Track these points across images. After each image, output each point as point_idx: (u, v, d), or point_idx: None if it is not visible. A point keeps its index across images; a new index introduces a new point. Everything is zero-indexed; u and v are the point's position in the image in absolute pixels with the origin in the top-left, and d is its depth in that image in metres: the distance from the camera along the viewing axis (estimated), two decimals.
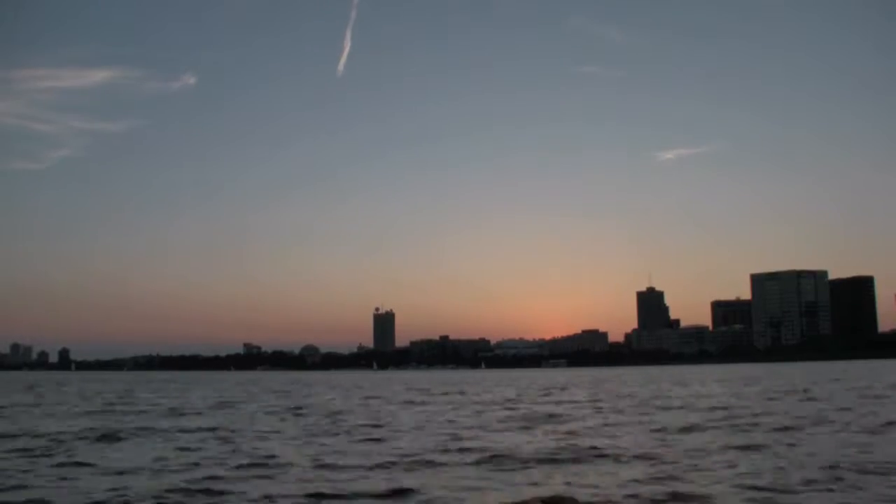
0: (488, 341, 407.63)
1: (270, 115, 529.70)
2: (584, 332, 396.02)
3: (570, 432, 23.67)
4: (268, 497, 13.24)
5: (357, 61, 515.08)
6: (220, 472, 16.08)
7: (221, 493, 13.69)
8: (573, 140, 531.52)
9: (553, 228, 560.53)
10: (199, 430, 25.73)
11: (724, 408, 33.99)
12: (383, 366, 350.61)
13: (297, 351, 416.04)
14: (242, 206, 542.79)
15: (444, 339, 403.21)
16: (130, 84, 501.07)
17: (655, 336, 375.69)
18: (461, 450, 19.39)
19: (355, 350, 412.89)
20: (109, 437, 23.21)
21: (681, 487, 13.61)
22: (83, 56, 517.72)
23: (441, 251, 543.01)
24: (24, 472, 16.40)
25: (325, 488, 13.94)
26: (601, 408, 36.08)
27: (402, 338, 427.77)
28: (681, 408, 35.14)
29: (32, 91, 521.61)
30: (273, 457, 18.38)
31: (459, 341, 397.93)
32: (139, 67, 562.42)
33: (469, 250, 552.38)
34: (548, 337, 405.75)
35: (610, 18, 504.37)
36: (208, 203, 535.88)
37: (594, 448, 19.12)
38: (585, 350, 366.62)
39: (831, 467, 15.51)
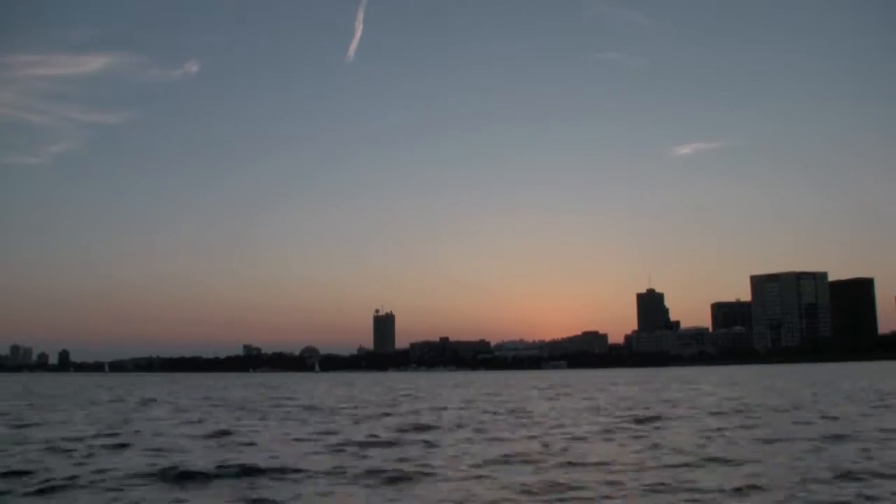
0: (488, 343, 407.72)
1: (274, 108, 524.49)
2: (583, 333, 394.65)
3: None
4: None
5: (366, 52, 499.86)
6: None
7: None
8: (576, 139, 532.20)
9: (553, 229, 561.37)
10: None
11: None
12: (382, 367, 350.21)
13: (297, 352, 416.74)
14: (243, 204, 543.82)
15: (444, 340, 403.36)
16: (129, 71, 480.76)
17: (655, 338, 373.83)
18: None
19: (355, 352, 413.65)
20: None
21: None
22: (79, 40, 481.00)
23: (441, 252, 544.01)
24: None
25: None
26: None
27: (401, 339, 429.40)
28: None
29: (26, 79, 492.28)
30: None
31: (459, 343, 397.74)
32: (138, 53, 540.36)
33: (469, 251, 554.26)
34: (547, 338, 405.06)
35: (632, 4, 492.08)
36: (209, 201, 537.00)
37: None
38: (585, 352, 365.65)
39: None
